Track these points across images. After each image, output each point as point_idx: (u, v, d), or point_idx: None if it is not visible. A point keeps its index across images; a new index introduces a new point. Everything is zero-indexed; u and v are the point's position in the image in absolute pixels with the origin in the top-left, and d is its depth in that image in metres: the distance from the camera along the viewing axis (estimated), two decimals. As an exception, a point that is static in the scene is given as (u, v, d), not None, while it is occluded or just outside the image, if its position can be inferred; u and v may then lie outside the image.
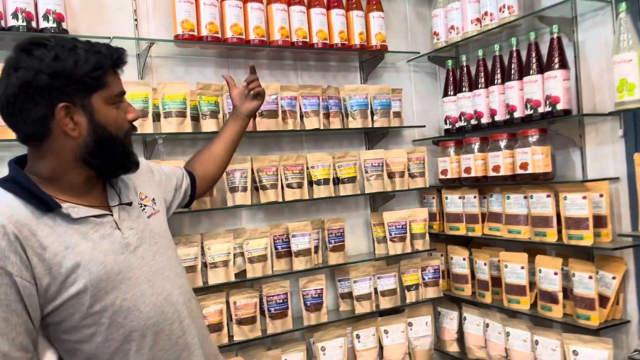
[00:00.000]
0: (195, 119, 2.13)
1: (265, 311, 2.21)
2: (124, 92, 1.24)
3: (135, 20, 2.17)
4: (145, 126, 2.00)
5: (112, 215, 1.22)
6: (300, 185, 2.29)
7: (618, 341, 2.03)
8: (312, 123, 2.33)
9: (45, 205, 1.11)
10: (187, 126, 2.08)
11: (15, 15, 1.82)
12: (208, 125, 2.12)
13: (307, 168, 2.34)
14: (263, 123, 2.22)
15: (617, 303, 2.02)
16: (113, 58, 1.19)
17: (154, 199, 1.39)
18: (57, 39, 1.14)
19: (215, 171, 1.80)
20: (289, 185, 2.27)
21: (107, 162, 1.21)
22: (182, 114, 2.06)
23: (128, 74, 2.09)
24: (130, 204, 1.28)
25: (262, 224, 2.39)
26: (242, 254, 2.19)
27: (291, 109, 2.30)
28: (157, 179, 1.53)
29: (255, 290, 2.20)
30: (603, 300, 2.01)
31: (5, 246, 1.04)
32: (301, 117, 2.34)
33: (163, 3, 2.20)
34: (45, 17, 1.87)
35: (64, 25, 1.90)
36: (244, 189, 2.17)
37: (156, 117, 2.06)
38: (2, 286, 1.04)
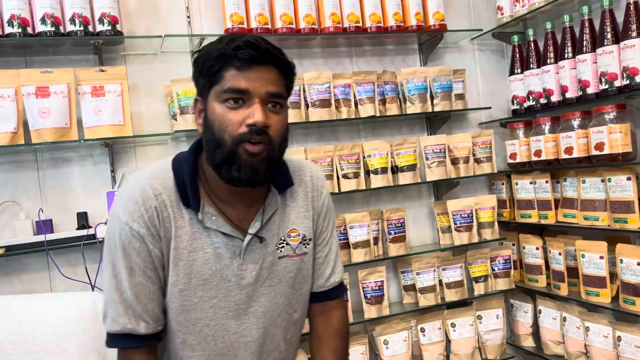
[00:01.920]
0: (248, 112, 2.12)
1: (325, 303, 2.18)
2: (239, 90, 1.02)
3: (188, 17, 2.20)
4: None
5: (243, 240, 1.13)
6: (356, 175, 2.24)
7: None
8: (367, 110, 2.26)
9: (186, 202, 1.10)
10: (240, 120, 2.08)
11: (72, 21, 1.90)
12: (260, 117, 2.11)
13: (364, 157, 2.27)
14: (316, 113, 2.18)
15: None
16: (223, 50, 1.02)
17: (304, 238, 1.22)
18: (223, 36, 1.11)
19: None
20: (345, 176, 2.22)
21: (214, 164, 1.07)
22: (233, 108, 2.06)
23: (183, 71, 2.15)
24: (263, 239, 1.15)
25: (321, 215, 2.35)
26: (299, 246, 2.17)
27: (345, 96, 2.24)
28: (319, 223, 1.27)
29: (314, 282, 2.18)
30: (696, 293, 1.79)
31: (146, 222, 1.07)
32: (356, 104, 2.27)
33: (214, -2, 2.21)
34: (101, 21, 1.93)
35: (118, 27, 1.96)
36: (299, 181, 2.14)
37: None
38: (141, 252, 1.08)
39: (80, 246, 1.86)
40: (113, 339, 1.10)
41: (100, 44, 1.99)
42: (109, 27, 1.94)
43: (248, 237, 1.13)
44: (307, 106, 2.19)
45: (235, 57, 1.01)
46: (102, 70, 1.96)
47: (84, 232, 1.89)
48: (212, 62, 1.03)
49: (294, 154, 2.16)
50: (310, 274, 1.27)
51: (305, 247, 1.23)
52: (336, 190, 2.21)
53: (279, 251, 1.18)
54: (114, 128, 1.95)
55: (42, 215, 1.96)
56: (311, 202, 1.24)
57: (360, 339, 2.26)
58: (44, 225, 1.91)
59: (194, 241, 1.10)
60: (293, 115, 2.14)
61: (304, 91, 2.19)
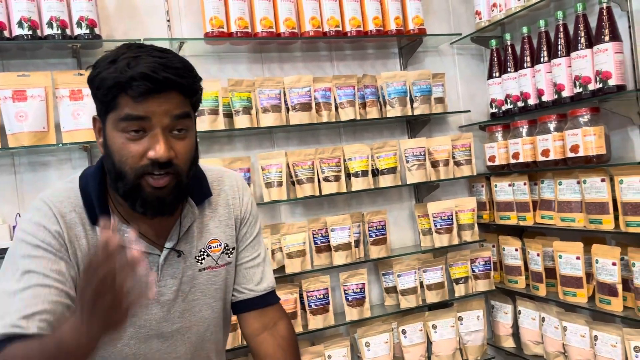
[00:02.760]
0: (229, 115, 2.13)
1: (306, 307, 2.19)
2: (138, 117, 0.94)
3: (168, 20, 2.20)
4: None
5: (159, 255, 1.08)
6: (337, 178, 2.25)
7: (688, 337, 1.85)
8: (347, 114, 2.27)
9: (93, 220, 1.03)
10: (220, 123, 2.08)
11: (50, 24, 1.88)
12: (241, 121, 2.12)
13: (344, 160, 2.28)
14: (296, 116, 2.19)
15: (685, 295, 1.84)
16: (119, 79, 0.93)
17: (227, 247, 1.17)
18: (119, 48, 0.99)
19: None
20: (326, 179, 2.23)
21: (120, 194, 1.00)
22: (214, 112, 2.06)
23: (161, 75, 2.14)
24: (180, 252, 1.10)
25: (302, 218, 2.36)
26: (280, 249, 2.18)
27: (325, 100, 2.25)
28: (242, 230, 1.22)
29: (295, 285, 2.18)
30: (669, 292, 1.83)
31: (55, 235, 0.99)
32: (336, 108, 2.28)
33: (194, 1, 2.21)
34: (79, 24, 1.92)
35: (96, 30, 1.95)
36: (280, 184, 2.15)
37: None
38: (50, 271, 0.97)
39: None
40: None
41: (78, 48, 1.98)
42: (87, 31, 1.93)
43: (165, 252, 1.08)
44: (287, 110, 2.20)
45: (130, 87, 0.93)
46: (81, 74, 1.95)
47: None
48: (106, 91, 0.94)
49: (274, 157, 2.17)
50: (231, 282, 1.21)
51: (229, 256, 1.18)
52: (317, 193, 2.22)
53: (199, 263, 1.13)
54: (93, 132, 1.93)
55: (19, 220, 1.94)
56: (232, 210, 1.19)
57: (342, 341, 2.27)
58: (22, 230, 1.89)
59: None
60: (274, 119, 2.15)
61: (285, 95, 2.19)
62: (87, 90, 1.94)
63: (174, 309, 1.11)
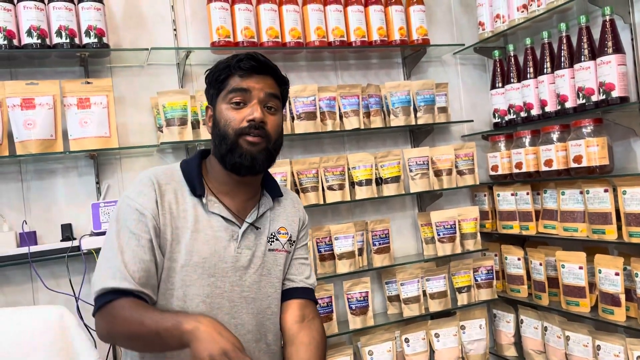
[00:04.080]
0: (234, 124, 2.14)
1: (310, 315, 2.19)
2: (241, 89, 1.23)
3: (175, 30, 2.22)
4: (184, 134, 2.04)
5: (240, 227, 1.28)
6: (341, 187, 2.26)
7: (691, 348, 1.86)
8: (351, 123, 2.29)
9: (192, 190, 1.26)
10: (226, 132, 2.09)
11: (59, 33, 1.90)
12: (246, 130, 2.13)
13: (349, 169, 2.30)
14: (301, 125, 2.20)
15: (688, 306, 1.85)
16: (229, 62, 1.25)
17: (290, 237, 1.38)
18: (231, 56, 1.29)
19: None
20: (330, 187, 2.25)
21: (220, 156, 1.26)
22: (220, 120, 2.08)
23: (168, 83, 2.17)
24: (258, 228, 1.31)
25: (306, 226, 2.37)
26: (284, 258, 2.18)
27: (330, 109, 2.27)
28: (301, 233, 1.44)
29: (299, 293, 2.19)
30: (671, 302, 1.84)
31: (152, 199, 1.22)
32: (340, 117, 2.30)
33: (200, 11, 2.24)
34: (87, 33, 1.94)
35: (105, 39, 1.97)
36: (284, 193, 2.16)
37: (196, 124, 2.10)
38: (143, 225, 1.19)
39: (64, 258, 1.86)
40: (103, 296, 1.15)
41: (86, 56, 2.00)
42: (95, 40, 1.95)
43: (245, 225, 1.29)
44: (292, 118, 2.21)
45: (238, 67, 1.23)
46: (88, 82, 1.97)
47: (68, 244, 1.88)
48: (219, 73, 1.25)
49: (278, 166, 2.18)
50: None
51: (291, 245, 1.38)
52: (321, 202, 2.23)
53: (269, 244, 1.33)
54: (100, 140, 1.95)
55: (25, 227, 1.95)
56: (297, 212, 1.43)
57: (345, 349, 2.27)
58: (28, 237, 1.90)
59: (197, 223, 1.24)
60: (279, 128, 2.16)
61: (290, 104, 2.21)
62: (94, 99, 1.96)
63: (245, 277, 1.27)
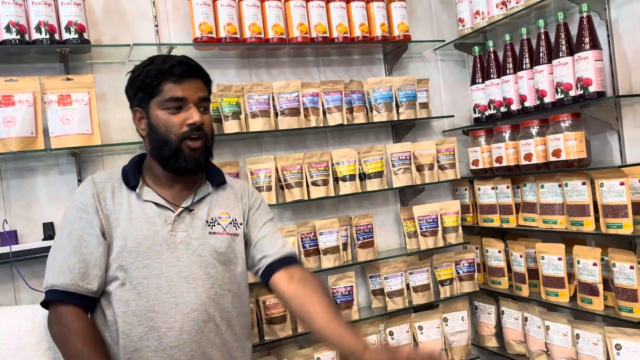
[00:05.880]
0: (218, 120, 2.14)
1: (295, 310, 2.20)
2: (178, 98, 1.33)
3: (156, 26, 2.20)
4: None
5: (174, 212, 1.37)
6: (325, 183, 2.27)
7: (665, 334, 1.92)
8: (335, 119, 2.30)
9: (127, 183, 1.39)
10: (210, 128, 2.09)
11: (38, 29, 1.87)
12: (230, 126, 2.13)
13: (332, 165, 2.31)
14: (285, 121, 2.21)
15: (662, 294, 1.91)
16: (161, 68, 1.33)
17: (235, 220, 1.45)
18: (153, 57, 1.40)
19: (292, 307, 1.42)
20: (314, 183, 2.26)
21: (161, 159, 1.37)
22: (203, 117, 2.07)
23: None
24: (192, 210, 1.39)
25: (290, 222, 2.38)
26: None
27: (313, 105, 2.28)
28: (251, 214, 1.52)
29: (284, 289, 2.20)
30: (647, 291, 1.90)
31: (90, 196, 1.36)
32: (324, 113, 2.31)
33: (182, 7, 2.22)
34: (67, 29, 1.91)
35: (85, 35, 1.94)
36: (269, 189, 2.16)
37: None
38: (87, 221, 1.33)
39: (46, 257, 1.82)
40: (49, 293, 1.30)
41: (66, 52, 1.97)
42: (76, 36, 1.92)
43: (179, 210, 1.39)
44: (276, 115, 2.22)
45: (171, 73, 1.32)
46: (69, 79, 1.94)
47: (50, 243, 1.85)
48: (151, 79, 1.33)
49: (263, 162, 2.18)
50: (243, 256, 1.46)
51: (236, 228, 1.45)
52: (306, 197, 2.24)
53: (209, 227, 1.40)
54: (82, 137, 1.93)
55: (6, 226, 1.92)
56: (240, 198, 1.51)
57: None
58: (9, 237, 1.87)
59: (130, 212, 1.35)
60: (263, 124, 2.16)
61: (273, 100, 2.21)
62: (75, 96, 1.94)
63: (183, 257, 1.34)
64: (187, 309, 1.31)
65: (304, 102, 2.26)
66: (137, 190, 1.37)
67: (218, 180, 1.49)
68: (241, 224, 1.47)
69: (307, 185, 2.26)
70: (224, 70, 2.31)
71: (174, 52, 2.12)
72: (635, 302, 1.87)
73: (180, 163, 1.34)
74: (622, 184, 1.86)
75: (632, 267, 1.88)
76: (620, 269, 1.91)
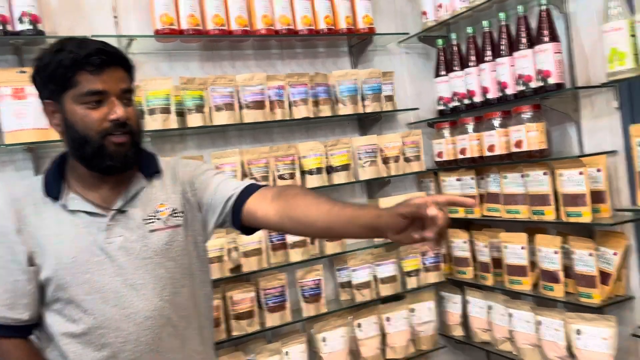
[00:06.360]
0: (181, 114, 2.09)
1: (263, 305, 2.19)
2: (98, 92, 1.16)
3: (115, 17, 2.14)
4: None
5: (106, 216, 1.23)
6: (292, 176, 2.26)
7: (622, 318, 1.98)
8: (300, 112, 2.29)
9: (48, 194, 1.23)
10: (173, 122, 2.05)
11: (-11, 19, 1.79)
12: (194, 120, 2.09)
13: (299, 158, 2.30)
14: (250, 114, 2.18)
15: (619, 279, 1.97)
16: (76, 57, 1.14)
17: (175, 210, 1.30)
18: (56, 42, 1.20)
19: (287, 223, 1.23)
20: (281, 177, 2.24)
21: (83, 159, 1.21)
22: (166, 110, 2.03)
23: (110, 73, 2.08)
24: (124, 211, 1.25)
25: (257, 216, 2.35)
26: (236, 249, 2.16)
27: (279, 98, 2.26)
28: (197, 183, 1.35)
29: (252, 284, 2.18)
30: (605, 277, 1.96)
31: (8, 217, 1.21)
32: (290, 106, 2.29)
33: (142, -2, 2.16)
34: (21, 20, 1.84)
35: (40, 26, 1.87)
36: (234, 183, 2.13)
37: (141, 115, 2.03)
38: (6, 248, 1.21)
39: (3, 257, 1.76)
40: None
41: (20, 44, 1.89)
42: (30, 27, 1.85)
43: (111, 213, 1.24)
44: (241, 107, 2.19)
45: (88, 62, 1.14)
46: (23, 72, 1.86)
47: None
48: (64, 70, 1.15)
49: (228, 156, 2.15)
50: (191, 248, 1.32)
51: (178, 219, 1.30)
52: (272, 192, 2.22)
53: (148, 225, 1.25)
54: (38, 132, 1.86)
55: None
56: (176, 176, 1.34)
57: (299, 337, 2.28)
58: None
59: (59, 226, 1.21)
60: (227, 117, 2.13)
61: (238, 93, 2.18)
62: (30, 89, 1.85)
63: (126, 265, 1.21)
64: (140, 317, 1.21)
65: (270, 95, 2.24)
66: (61, 200, 1.22)
67: (151, 170, 1.32)
68: (182, 212, 1.30)
69: (274, 179, 2.24)
70: (187, 63, 2.27)
71: (135, 44, 2.07)
72: (594, 288, 1.92)
73: (106, 162, 1.19)
74: (580, 173, 1.91)
75: (591, 255, 1.94)
76: (580, 257, 1.97)
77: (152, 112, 2.01)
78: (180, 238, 1.29)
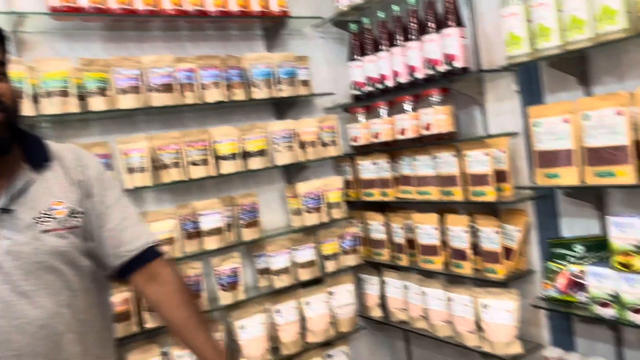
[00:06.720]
0: (82, 97, 1.97)
1: (177, 295, 2.12)
2: None
3: (6, -8, 1.97)
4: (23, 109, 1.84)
5: None
6: (205, 162, 2.20)
7: (525, 291, 2.09)
8: (213, 96, 2.22)
9: None
10: (73, 106, 1.93)
11: None
12: (96, 103, 1.98)
13: (212, 143, 2.24)
14: (159, 98, 2.09)
15: (522, 255, 2.08)
16: None
17: (73, 210, 1.17)
18: None
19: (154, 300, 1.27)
20: (193, 162, 2.17)
21: None
22: (64, 93, 1.91)
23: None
24: (9, 210, 1.10)
25: (171, 205, 2.27)
26: (147, 238, 2.08)
27: (189, 81, 2.18)
28: (95, 191, 1.23)
29: (165, 274, 2.11)
30: (509, 252, 2.06)
31: None
32: (202, 90, 2.22)
33: (36, -28, 2.01)
34: None
35: None
36: (143, 170, 2.05)
37: (36, 99, 1.90)
38: None
39: None
40: None
41: None
42: None
43: None
44: (149, 91, 2.09)
45: None
46: None
47: None
48: None
49: (135, 141, 2.06)
50: (92, 243, 1.22)
51: (77, 220, 1.18)
52: (185, 178, 2.15)
53: (39, 225, 1.12)
54: None
55: None
56: (75, 176, 1.21)
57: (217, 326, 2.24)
58: None
59: None
60: (133, 101, 2.04)
61: (145, 75, 2.09)
62: None
63: (12, 271, 1.09)
64: (34, 327, 1.09)
65: (179, 78, 2.16)
66: None
67: (40, 160, 1.17)
68: (80, 213, 1.18)
69: (186, 165, 2.17)
70: (88, 44, 2.14)
71: (29, 23, 1.92)
72: (498, 263, 2.02)
73: None
74: (486, 154, 1.99)
75: (497, 232, 2.03)
76: (486, 234, 2.06)
77: (49, 94, 1.88)
78: (78, 240, 1.18)
